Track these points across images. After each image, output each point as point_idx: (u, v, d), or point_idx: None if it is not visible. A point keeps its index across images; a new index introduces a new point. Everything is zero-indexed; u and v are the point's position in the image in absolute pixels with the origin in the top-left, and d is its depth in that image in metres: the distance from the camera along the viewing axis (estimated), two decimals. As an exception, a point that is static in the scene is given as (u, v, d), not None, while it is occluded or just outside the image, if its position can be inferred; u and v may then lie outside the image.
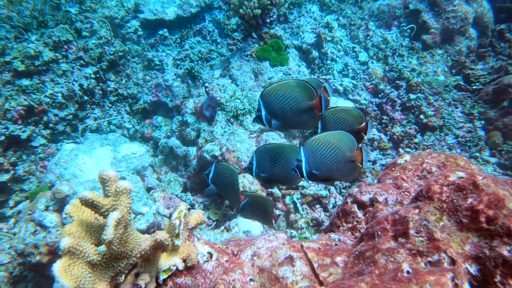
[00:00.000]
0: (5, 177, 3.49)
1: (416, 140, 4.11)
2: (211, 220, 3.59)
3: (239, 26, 5.03)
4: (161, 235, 1.02)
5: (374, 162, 3.99)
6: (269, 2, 3.86)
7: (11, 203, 3.51)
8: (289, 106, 1.53)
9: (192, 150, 3.73)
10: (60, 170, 3.19)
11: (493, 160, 3.92)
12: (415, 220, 1.16)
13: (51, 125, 3.94)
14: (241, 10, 3.84)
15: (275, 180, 1.71)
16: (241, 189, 3.23)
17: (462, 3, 4.81)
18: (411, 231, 1.14)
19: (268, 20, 4.07)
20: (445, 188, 1.18)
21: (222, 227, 3.15)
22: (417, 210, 1.19)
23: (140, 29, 5.13)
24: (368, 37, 5.01)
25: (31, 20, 4.17)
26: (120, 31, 5.06)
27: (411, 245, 1.12)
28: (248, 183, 3.20)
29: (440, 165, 1.73)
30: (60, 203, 2.69)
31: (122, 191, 1.11)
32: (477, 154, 3.98)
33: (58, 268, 0.90)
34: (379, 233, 1.21)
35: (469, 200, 1.11)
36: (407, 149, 4.07)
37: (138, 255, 1.03)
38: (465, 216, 1.10)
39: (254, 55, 4.05)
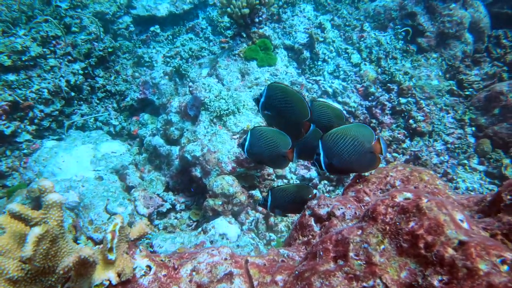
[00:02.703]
0: (-13, 172, 3.50)
1: (404, 145, 4.05)
2: (191, 221, 3.58)
3: (232, 24, 4.97)
4: (85, 252, 1.00)
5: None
6: (257, 1, 3.80)
7: (-8, 198, 3.52)
8: (283, 111, 1.61)
9: (175, 150, 3.70)
10: (39, 167, 3.18)
11: (481, 168, 3.85)
12: (355, 242, 1.12)
13: (36, 121, 3.92)
14: (229, 9, 3.79)
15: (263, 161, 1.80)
16: (219, 191, 3.20)
17: (458, 7, 4.71)
18: (351, 254, 1.10)
19: (257, 20, 4.01)
20: (389, 210, 1.14)
21: (200, 229, 3.13)
22: (359, 231, 1.15)
23: (132, 25, 5.09)
24: (362, 39, 4.93)
25: (19, 14, 4.15)
26: (111, 27, 5.03)
27: (348, 268, 1.08)
28: (227, 185, 3.17)
29: (404, 179, 1.69)
30: (35, 202, 2.68)
31: (52, 204, 1.08)
32: (465, 161, 3.91)
33: (-33, 287, 0.88)
34: (321, 253, 1.17)
35: (411, 224, 1.07)
36: (395, 154, 4.02)
37: (61, 272, 1.00)
38: (405, 240, 1.06)
39: (241, 54, 4.00)
